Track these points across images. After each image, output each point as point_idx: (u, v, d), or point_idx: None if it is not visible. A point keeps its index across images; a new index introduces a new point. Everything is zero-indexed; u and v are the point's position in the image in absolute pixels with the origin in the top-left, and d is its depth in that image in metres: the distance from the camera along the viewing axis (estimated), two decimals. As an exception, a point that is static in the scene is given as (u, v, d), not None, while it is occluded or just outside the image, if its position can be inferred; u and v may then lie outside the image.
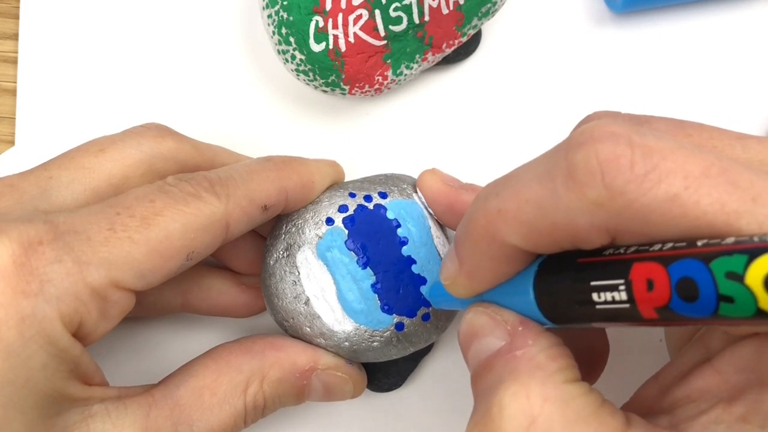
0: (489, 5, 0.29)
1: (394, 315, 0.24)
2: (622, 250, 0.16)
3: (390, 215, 0.25)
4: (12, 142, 0.31)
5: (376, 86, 0.29)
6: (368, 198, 0.26)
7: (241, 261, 0.28)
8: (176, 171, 0.24)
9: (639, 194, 0.15)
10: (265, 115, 0.31)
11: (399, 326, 0.24)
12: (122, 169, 0.23)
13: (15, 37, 0.32)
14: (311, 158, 0.26)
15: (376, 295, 0.24)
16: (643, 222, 0.16)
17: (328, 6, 0.27)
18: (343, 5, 0.27)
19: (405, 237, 0.25)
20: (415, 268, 0.25)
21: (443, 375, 0.29)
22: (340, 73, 0.28)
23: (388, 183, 0.26)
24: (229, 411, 0.22)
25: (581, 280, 0.17)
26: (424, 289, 0.25)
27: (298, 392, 0.24)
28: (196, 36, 0.32)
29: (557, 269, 0.18)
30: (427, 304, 0.25)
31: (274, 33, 0.28)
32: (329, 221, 0.25)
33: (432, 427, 0.29)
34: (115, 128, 0.30)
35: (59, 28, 0.31)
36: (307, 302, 0.24)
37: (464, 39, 0.30)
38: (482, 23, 0.30)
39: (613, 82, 0.33)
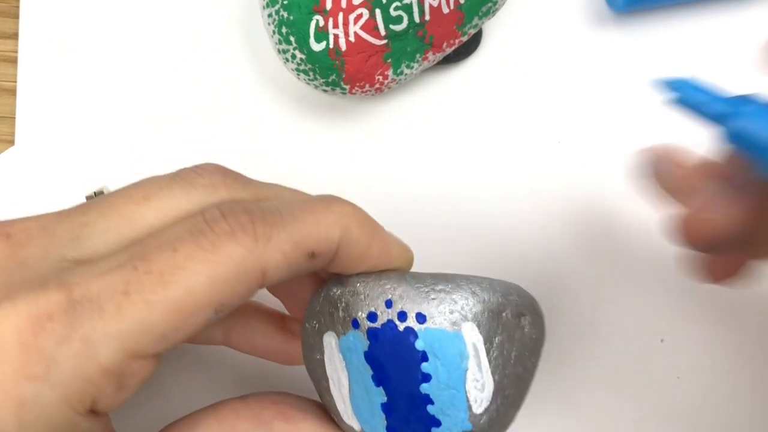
0: (489, 4, 0.29)
1: None
2: None
3: (419, 345, 0.21)
4: (12, 142, 0.31)
5: (377, 86, 0.29)
6: (402, 316, 0.22)
7: (297, 302, 0.26)
8: None
9: None
10: (265, 115, 0.31)
11: None
12: (165, 220, 0.20)
13: (15, 36, 0.32)
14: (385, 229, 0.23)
15: (384, 415, 0.22)
16: None
17: (329, 5, 0.27)
18: (344, 4, 0.27)
19: (428, 373, 0.22)
20: (430, 409, 0.22)
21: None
22: (341, 73, 0.28)
23: (438, 298, 0.22)
24: None
25: None
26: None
27: None
28: (196, 35, 0.32)
29: None
30: None
31: (274, 32, 0.28)
32: (355, 323, 0.22)
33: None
34: (114, 128, 0.31)
35: (59, 27, 0.31)
36: (327, 380, 0.23)
37: (465, 38, 0.30)
38: (483, 22, 0.30)
39: (614, 82, 0.33)
